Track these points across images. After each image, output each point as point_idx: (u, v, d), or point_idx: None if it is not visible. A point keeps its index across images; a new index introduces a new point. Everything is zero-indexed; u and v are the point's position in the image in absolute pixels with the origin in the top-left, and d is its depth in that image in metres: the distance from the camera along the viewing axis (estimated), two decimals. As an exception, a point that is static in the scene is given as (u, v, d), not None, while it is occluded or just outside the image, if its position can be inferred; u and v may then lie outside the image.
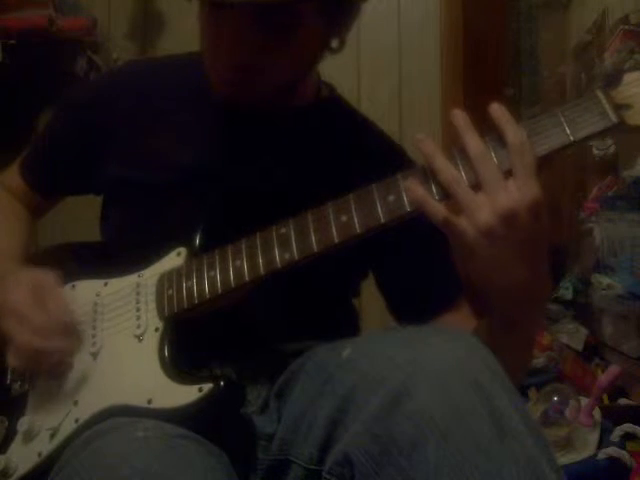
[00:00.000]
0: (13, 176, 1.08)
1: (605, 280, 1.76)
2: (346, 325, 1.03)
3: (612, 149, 1.84)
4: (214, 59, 0.85)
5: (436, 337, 0.68)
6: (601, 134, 0.67)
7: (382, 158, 0.99)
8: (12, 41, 1.75)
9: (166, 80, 0.98)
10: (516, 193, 0.65)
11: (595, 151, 1.90)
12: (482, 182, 0.66)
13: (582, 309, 2.00)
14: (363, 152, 0.99)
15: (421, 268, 0.96)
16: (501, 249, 0.67)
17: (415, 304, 0.97)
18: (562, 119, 0.67)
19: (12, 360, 0.81)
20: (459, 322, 0.94)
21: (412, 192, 0.69)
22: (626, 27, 1.63)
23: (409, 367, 0.63)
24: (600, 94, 0.67)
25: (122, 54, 2.18)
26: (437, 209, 0.68)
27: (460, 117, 0.69)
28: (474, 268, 0.70)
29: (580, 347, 1.90)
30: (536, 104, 2.23)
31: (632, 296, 1.62)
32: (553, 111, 0.68)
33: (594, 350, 1.87)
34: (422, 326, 0.80)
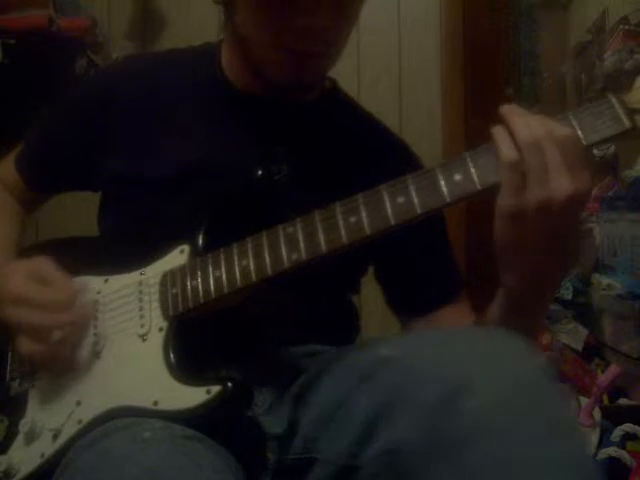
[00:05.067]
0: (8, 169, 1.07)
1: (605, 280, 1.76)
2: (345, 322, 1.03)
3: (612, 149, 1.84)
4: (283, 36, 0.84)
5: (486, 339, 0.69)
6: (614, 139, 0.67)
7: (384, 150, 0.99)
8: (12, 41, 1.75)
9: (166, 74, 0.98)
10: (577, 180, 0.66)
11: (595, 151, 1.90)
12: (548, 164, 0.66)
13: (582, 309, 1.99)
14: (366, 145, 0.99)
15: (422, 262, 0.97)
16: (543, 227, 0.67)
17: (415, 298, 0.98)
18: (574, 123, 0.67)
19: (25, 347, 0.79)
20: (458, 316, 0.95)
21: (506, 108, 0.69)
22: (626, 27, 1.63)
23: (463, 366, 0.64)
24: (613, 98, 0.67)
25: (122, 54, 2.18)
26: (512, 152, 0.67)
27: (508, 108, 0.70)
28: (506, 236, 0.70)
29: (580, 347, 1.90)
30: (536, 104, 2.22)
31: (632, 296, 1.62)
32: (564, 114, 0.68)
33: (594, 350, 1.87)
34: (465, 328, 0.80)
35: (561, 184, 0.65)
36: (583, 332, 1.92)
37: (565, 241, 0.70)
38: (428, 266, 0.98)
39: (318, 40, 0.84)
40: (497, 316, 0.79)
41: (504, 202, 0.68)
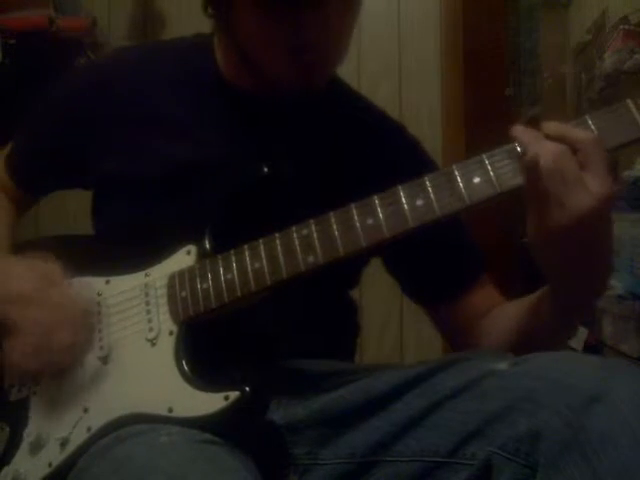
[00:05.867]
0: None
1: (605, 280, 1.76)
2: (344, 317, 1.02)
3: (612, 149, 1.84)
4: (291, 51, 0.83)
5: (604, 360, 0.72)
6: (630, 144, 0.66)
7: (384, 136, 0.98)
8: (12, 41, 1.75)
9: (158, 69, 0.95)
10: (602, 186, 0.66)
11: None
12: (567, 183, 0.66)
13: (582, 309, 1.99)
14: (368, 135, 0.98)
15: (437, 246, 0.94)
16: (575, 241, 0.67)
17: (437, 285, 0.96)
18: (593, 127, 0.66)
19: (21, 360, 0.77)
20: (487, 299, 0.94)
21: (519, 133, 0.68)
22: (626, 27, 1.62)
23: (602, 380, 0.65)
24: (630, 103, 0.66)
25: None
26: (550, 149, 0.66)
27: (522, 130, 0.69)
28: (542, 254, 0.71)
29: (580, 347, 1.90)
30: (536, 104, 2.22)
31: (632, 296, 1.62)
32: (582, 118, 0.67)
33: (594, 350, 1.87)
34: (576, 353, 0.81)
35: (584, 200, 0.65)
36: (583, 332, 1.92)
37: (601, 242, 0.71)
38: (446, 248, 0.95)
39: (326, 49, 0.83)
40: (542, 312, 0.80)
41: (532, 230, 0.69)
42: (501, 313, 0.91)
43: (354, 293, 1.05)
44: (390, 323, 2.18)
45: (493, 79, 2.18)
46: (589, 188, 0.65)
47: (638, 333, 1.62)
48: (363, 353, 1.86)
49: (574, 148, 0.66)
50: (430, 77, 2.29)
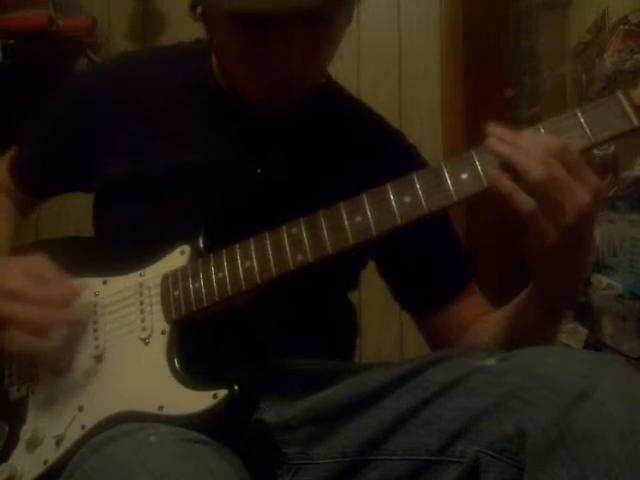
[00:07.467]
0: (1, 171, 1.06)
1: (605, 280, 1.76)
2: (344, 319, 1.02)
3: (612, 149, 1.84)
4: (256, 73, 0.84)
5: (592, 355, 0.72)
6: (622, 137, 0.66)
7: (380, 145, 0.99)
8: (12, 41, 1.75)
9: (160, 72, 0.97)
10: (587, 191, 0.66)
11: (595, 151, 1.90)
12: (561, 189, 0.66)
13: (582, 309, 1.99)
14: (362, 140, 0.99)
15: (427, 254, 0.95)
16: (574, 238, 0.68)
17: (425, 292, 0.97)
18: (582, 120, 0.66)
19: (14, 345, 0.78)
20: (474, 307, 0.94)
21: (499, 182, 0.67)
22: (626, 27, 1.62)
23: (587, 375, 0.65)
24: (621, 95, 0.66)
25: (122, 54, 2.17)
26: (527, 200, 0.66)
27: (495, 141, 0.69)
28: (538, 261, 0.73)
29: (580, 347, 1.90)
30: (536, 104, 2.22)
31: (632, 296, 1.62)
32: (572, 111, 0.67)
33: (594, 350, 1.87)
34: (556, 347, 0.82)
35: (575, 203, 0.66)
36: (583, 332, 1.92)
37: (588, 239, 0.72)
38: (435, 257, 0.96)
39: (293, 77, 0.83)
40: (528, 314, 0.80)
41: (536, 241, 0.69)
42: (484, 324, 0.91)
43: (355, 293, 1.05)
44: (390, 324, 2.18)
45: (493, 79, 2.18)
46: (583, 185, 0.66)
47: (638, 333, 1.62)
48: (363, 354, 1.86)
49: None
50: (430, 77, 2.29)
